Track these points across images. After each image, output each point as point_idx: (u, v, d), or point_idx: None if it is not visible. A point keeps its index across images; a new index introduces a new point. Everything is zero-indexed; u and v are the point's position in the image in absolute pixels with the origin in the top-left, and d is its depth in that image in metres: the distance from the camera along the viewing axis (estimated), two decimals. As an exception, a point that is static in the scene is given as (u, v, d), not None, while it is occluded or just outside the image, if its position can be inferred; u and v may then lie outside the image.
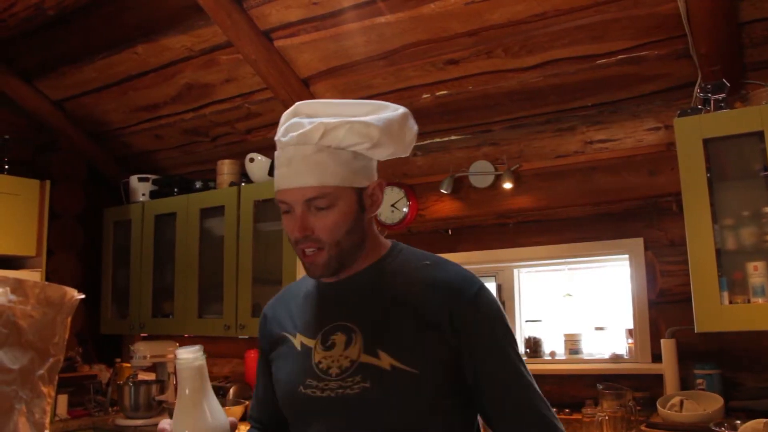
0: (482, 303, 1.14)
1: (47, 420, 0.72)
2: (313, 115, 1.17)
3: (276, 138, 1.19)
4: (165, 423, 1.11)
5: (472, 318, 1.11)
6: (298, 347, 1.20)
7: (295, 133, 1.13)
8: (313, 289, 1.26)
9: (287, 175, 1.14)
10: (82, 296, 0.75)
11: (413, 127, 1.21)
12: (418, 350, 1.10)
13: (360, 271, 1.21)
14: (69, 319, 0.73)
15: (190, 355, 1.05)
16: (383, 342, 1.11)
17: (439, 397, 1.10)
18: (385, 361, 1.09)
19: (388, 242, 1.26)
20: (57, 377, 0.74)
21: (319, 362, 1.14)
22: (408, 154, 1.24)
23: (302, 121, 1.15)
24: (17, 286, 0.66)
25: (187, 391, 1.04)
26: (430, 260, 1.22)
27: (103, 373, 3.67)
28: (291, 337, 1.22)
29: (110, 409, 3.45)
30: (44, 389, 0.69)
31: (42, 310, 0.69)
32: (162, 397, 3.26)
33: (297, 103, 1.20)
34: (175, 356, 1.05)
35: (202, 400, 1.04)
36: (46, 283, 0.70)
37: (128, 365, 3.58)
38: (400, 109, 1.19)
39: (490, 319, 1.14)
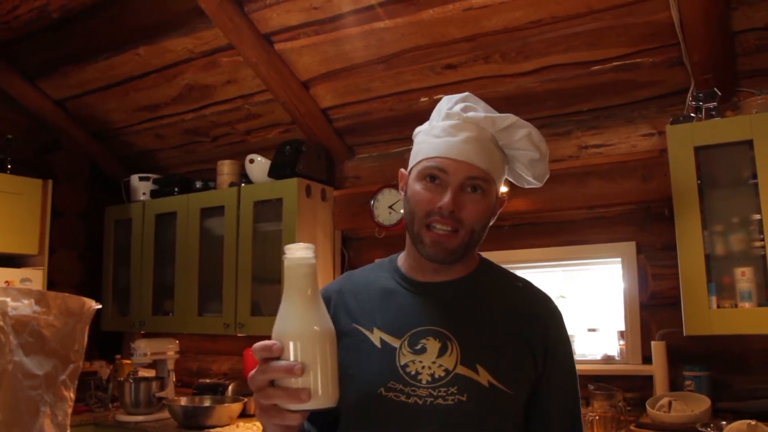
0: (564, 330, 1.21)
1: (68, 421, 0.77)
2: (478, 107, 1.20)
3: (447, 110, 1.18)
4: (268, 342, 0.92)
5: (558, 345, 1.17)
6: (378, 344, 1.14)
7: (482, 114, 1.15)
8: (396, 285, 1.21)
9: (457, 146, 1.13)
10: (99, 306, 0.80)
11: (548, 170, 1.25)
12: (514, 371, 1.10)
13: (457, 279, 1.19)
14: (87, 328, 0.78)
15: (305, 253, 0.90)
16: (482, 357, 1.10)
17: (522, 419, 1.12)
18: (484, 376, 1.08)
19: (477, 254, 1.25)
20: (76, 382, 0.78)
21: (406, 365, 1.10)
22: (528, 186, 1.26)
23: (478, 107, 1.19)
24: (40, 298, 0.71)
25: (297, 293, 0.89)
26: (522, 282, 1.24)
27: (103, 369, 3.72)
28: (366, 332, 1.16)
29: (111, 405, 3.50)
30: (66, 393, 0.73)
31: (63, 320, 0.73)
32: (162, 394, 3.31)
33: (467, 93, 1.22)
34: (285, 253, 0.90)
35: (314, 303, 0.90)
36: (67, 294, 0.74)
37: (128, 362, 3.63)
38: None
39: (567, 346, 1.20)
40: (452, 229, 1.11)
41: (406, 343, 1.12)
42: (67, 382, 0.75)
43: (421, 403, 1.07)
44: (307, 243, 0.91)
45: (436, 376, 1.08)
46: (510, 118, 1.15)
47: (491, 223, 1.21)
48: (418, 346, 1.11)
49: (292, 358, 0.86)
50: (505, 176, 1.24)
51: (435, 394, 1.07)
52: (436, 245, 1.12)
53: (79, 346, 0.78)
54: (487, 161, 1.13)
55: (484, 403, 1.07)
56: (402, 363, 1.10)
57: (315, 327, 0.88)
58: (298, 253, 0.90)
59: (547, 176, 1.24)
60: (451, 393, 1.06)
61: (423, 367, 1.09)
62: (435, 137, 1.16)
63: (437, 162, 1.13)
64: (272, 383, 0.87)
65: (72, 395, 0.75)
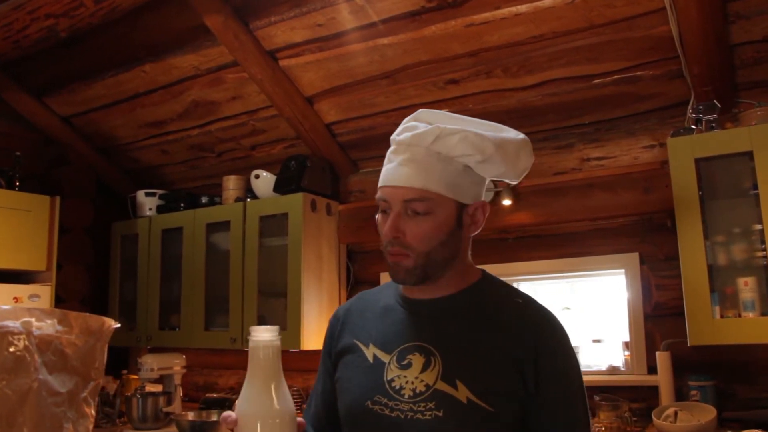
0: (562, 345, 1.14)
1: (89, 437, 0.79)
2: (432, 122, 1.16)
3: (392, 137, 1.18)
4: (229, 412, 0.98)
5: (552, 361, 1.10)
6: (371, 359, 1.16)
7: (410, 133, 1.13)
8: (395, 303, 1.22)
9: (393, 172, 1.13)
10: (118, 325, 0.82)
11: (530, 156, 1.17)
12: (497, 388, 1.07)
13: (451, 295, 1.18)
14: (106, 346, 0.81)
15: (269, 335, 0.94)
16: (463, 372, 1.08)
17: None
18: (462, 393, 1.06)
19: (479, 270, 1.23)
20: (97, 398, 0.81)
21: (392, 380, 1.12)
22: (517, 182, 1.21)
23: (419, 125, 1.15)
24: (63, 318, 0.73)
25: (260, 373, 0.93)
26: (522, 299, 1.20)
27: (110, 384, 3.74)
28: (363, 347, 1.18)
29: (118, 420, 3.51)
30: (87, 410, 0.76)
31: (84, 339, 0.76)
32: (169, 409, 3.32)
33: (420, 110, 1.21)
34: (251, 333, 0.94)
35: (276, 383, 0.93)
36: (87, 314, 0.77)
37: (135, 377, 3.65)
38: (521, 135, 1.17)
39: (563, 361, 1.13)
40: (403, 253, 1.12)
41: (394, 358, 1.14)
42: (88, 399, 0.77)
43: (402, 417, 1.08)
44: (273, 326, 0.96)
45: (418, 391, 1.09)
46: (437, 129, 1.12)
47: (476, 232, 1.20)
48: (405, 362, 1.13)
49: None
50: (472, 183, 1.18)
51: (415, 408, 1.08)
52: (395, 268, 1.14)
53: (99, 364, 0.80)
54: (424, 179, 1.10)
55: (461, 420, 1.06)
56: (389, 378, 1.12)
57: (274, 408, 0.92)
58: (263, 335, 0.94)
59: (516, 172, 1.17)
60: (429, 408, 1.07)
61: (407, 382, 1.10)
62: (384, 166, 1.18)
63: (381, 192, 1.15)
64: None
65: (93, 412, 0.78)
